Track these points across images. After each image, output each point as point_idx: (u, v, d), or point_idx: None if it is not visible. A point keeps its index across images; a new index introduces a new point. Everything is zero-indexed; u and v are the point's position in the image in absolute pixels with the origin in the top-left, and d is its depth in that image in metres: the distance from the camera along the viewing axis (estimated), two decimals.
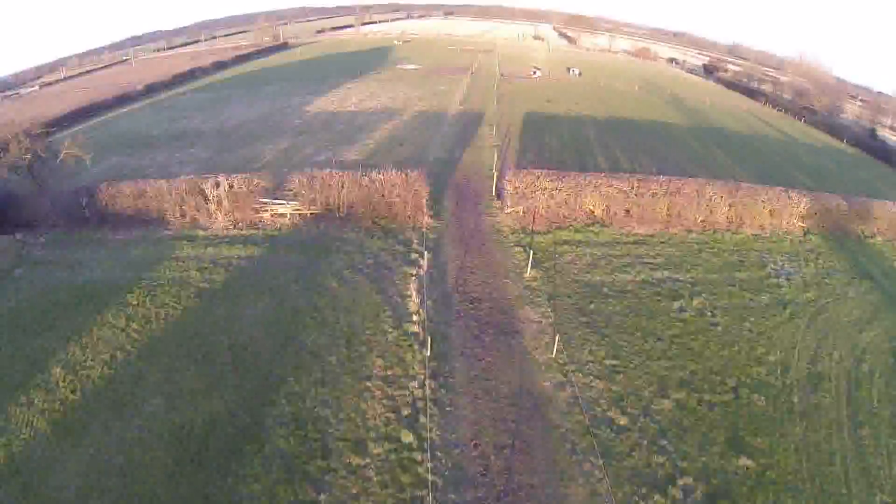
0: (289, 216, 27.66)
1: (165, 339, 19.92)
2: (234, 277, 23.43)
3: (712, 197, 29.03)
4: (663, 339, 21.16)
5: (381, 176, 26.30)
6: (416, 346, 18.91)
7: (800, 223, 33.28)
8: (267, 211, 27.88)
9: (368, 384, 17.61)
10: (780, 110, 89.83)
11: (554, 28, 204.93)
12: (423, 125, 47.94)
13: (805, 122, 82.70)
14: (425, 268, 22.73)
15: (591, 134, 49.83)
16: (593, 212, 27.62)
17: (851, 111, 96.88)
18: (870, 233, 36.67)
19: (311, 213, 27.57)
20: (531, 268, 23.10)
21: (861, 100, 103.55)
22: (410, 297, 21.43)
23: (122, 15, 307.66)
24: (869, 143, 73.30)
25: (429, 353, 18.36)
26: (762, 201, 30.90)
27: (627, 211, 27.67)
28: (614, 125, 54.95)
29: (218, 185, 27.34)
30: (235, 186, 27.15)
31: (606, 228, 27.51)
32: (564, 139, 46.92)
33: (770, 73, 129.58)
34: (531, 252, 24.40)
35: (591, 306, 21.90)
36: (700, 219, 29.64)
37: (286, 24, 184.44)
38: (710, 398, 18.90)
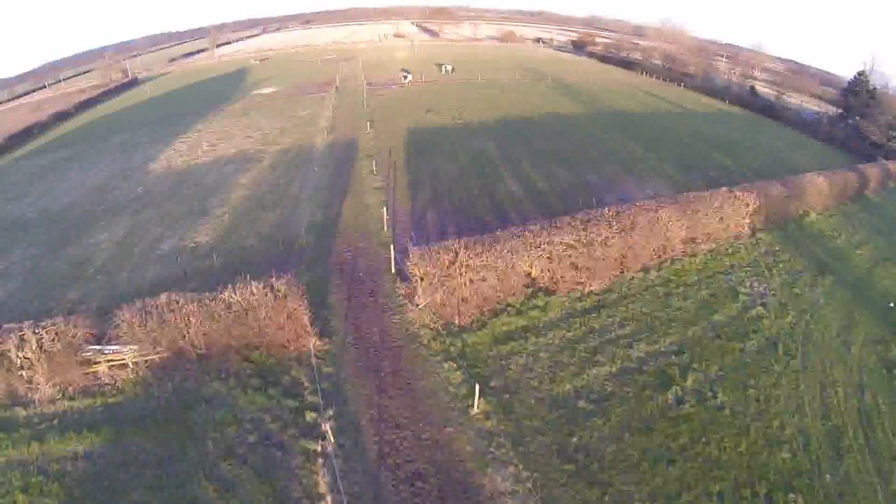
0: (131, 365, 19.26)
1: None
2: (73, 501, 14.82)
3: (668, 222, 24.34)
4: (674, 459, 15.64)
5: (237, 296, 18.56)
6: None
7: (746, 221, 30.17)
8: (100, 363, 19.29)
9: None
10: (658, 78, 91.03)
11: (414, 24, 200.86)
12: (288, 172, 39.76)
13: (684, 87, 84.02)
14: (331, 438, 15.55)
15: (489, 147, 44.18)
16: (532, 276, 21.74)
17: (720, 69, 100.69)
18: (803, 210, 34.96)
19: (159, 357, 19.37)
20: (478, 398, 16.66)
21: (726, 57, 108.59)
22: (324, 498, 14.19)
23: None
24: (752, 101, 75.29)
25: None
26: (713, 210, 26.95)
27: (574, 265, 22.07)
28: (511, 130, 49.87)
29: (23, 341, 18.31)
30: (46, 342, 18.28)
31: (553, 297, 21.53)
32: (461, 160, 40.76)
33: (637, 42, 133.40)
34: (471, 375, 17.91)
35: (574, 440, 15.65)
36: (654, 247, 24.97)
37: (137, 55, 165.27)
38: None
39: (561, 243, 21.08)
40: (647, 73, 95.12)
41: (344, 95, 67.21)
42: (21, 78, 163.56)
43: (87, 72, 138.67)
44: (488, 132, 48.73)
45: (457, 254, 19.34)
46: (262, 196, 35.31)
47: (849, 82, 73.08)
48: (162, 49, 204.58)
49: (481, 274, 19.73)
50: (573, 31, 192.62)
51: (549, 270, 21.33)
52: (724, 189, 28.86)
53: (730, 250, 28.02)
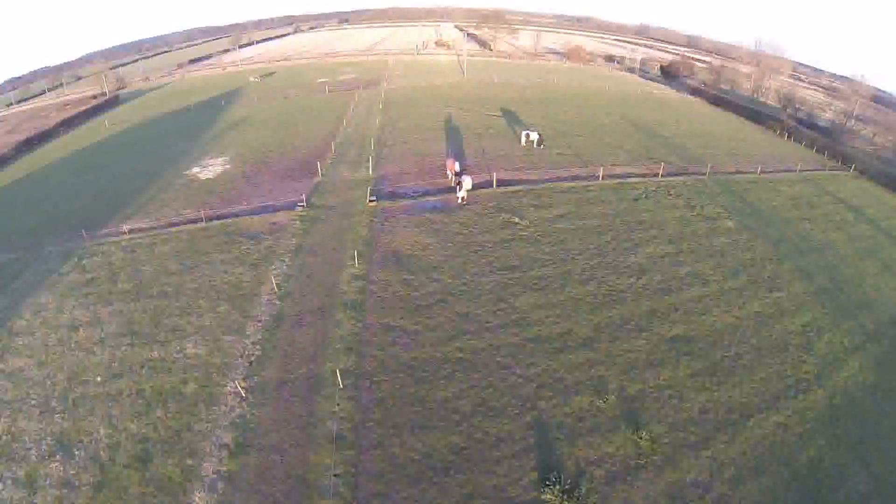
0: None
1: None
2: None
3: None
4: None
5: None
6: None
7: None
8: None
9: None
10: (809, 147, 59.01)
11: (460, 28, 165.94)
12: None
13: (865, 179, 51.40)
14: None
15: None
16: None
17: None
18: None
19: None
20: None
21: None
22: None
23: None
24: None
25: None
26: None
27: None
28: None
29: None
30: None
31: None
32: None
33: (737, 68, 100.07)
34: None
35: None
36: None
37: (137, 60, 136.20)
38: None
39: None
40: (789, 135, 63.30)
41: (320, 227, 30.69)
42: (55, 70, 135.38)
43: (81, 79, 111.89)
44: None
45: None
46: None
47: None
48: (192, 46, 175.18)
49: None
50: (625, 42, 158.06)
51: None
52: None
53: None
